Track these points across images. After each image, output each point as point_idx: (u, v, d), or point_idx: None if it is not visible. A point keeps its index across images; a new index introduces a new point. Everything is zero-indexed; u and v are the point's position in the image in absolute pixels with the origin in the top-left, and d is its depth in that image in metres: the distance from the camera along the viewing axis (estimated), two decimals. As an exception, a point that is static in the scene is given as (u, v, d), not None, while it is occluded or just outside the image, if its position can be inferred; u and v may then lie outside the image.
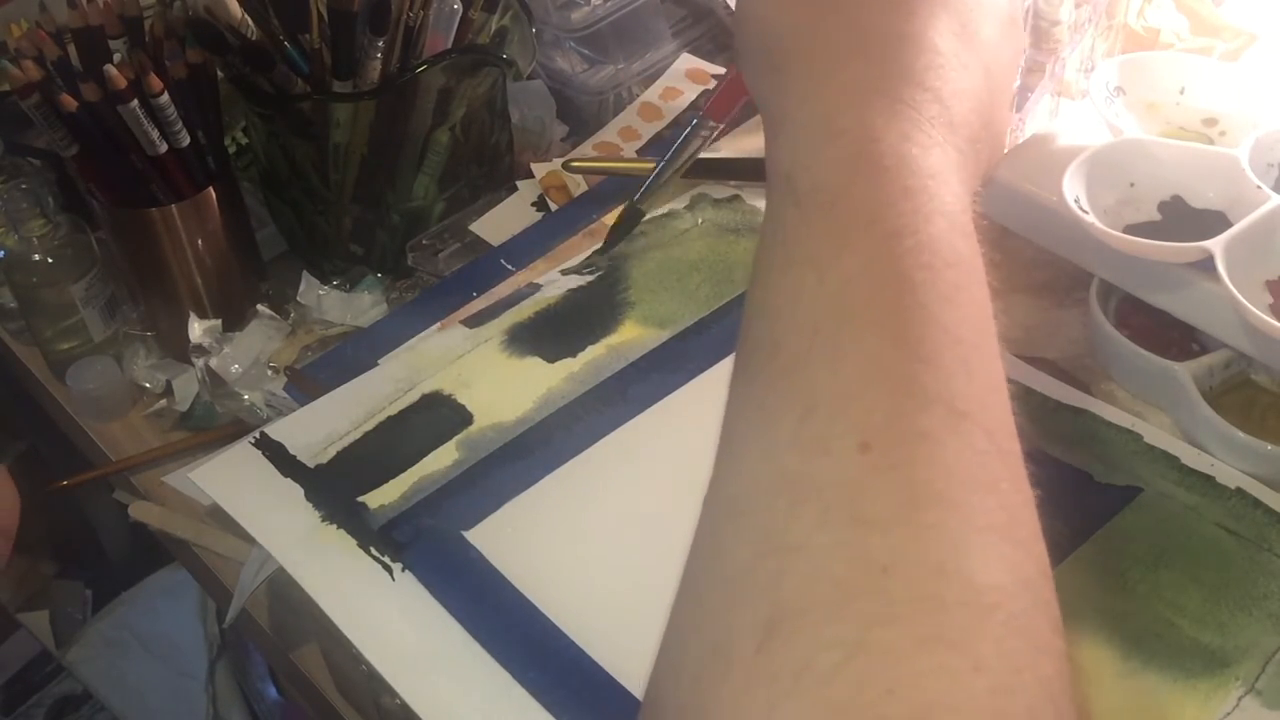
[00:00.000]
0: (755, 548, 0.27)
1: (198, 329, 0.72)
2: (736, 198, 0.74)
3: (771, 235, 0.32)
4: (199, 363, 0.71)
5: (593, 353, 0.64)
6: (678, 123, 0.85)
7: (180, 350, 0.74)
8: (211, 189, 0.73)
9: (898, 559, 0.26)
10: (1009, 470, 0.29)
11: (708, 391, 0.62)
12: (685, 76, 0.88)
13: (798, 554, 0.27)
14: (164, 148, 0.70)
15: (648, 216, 0.73)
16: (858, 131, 0.32)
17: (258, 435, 0.61)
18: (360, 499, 0.58)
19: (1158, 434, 0.59)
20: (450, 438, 0.61)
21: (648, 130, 0.86)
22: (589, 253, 0.71)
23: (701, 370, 0.63)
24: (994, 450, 0.29)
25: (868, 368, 0.29)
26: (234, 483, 0.59)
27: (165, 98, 0.68)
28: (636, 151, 0.84)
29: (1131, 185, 0.62)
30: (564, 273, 0.70)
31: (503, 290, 0.70)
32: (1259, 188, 0.59)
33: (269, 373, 0.70)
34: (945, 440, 0.28)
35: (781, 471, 0.28)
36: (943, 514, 0.27)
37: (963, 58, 0.36)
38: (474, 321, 0.67)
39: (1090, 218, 0.58)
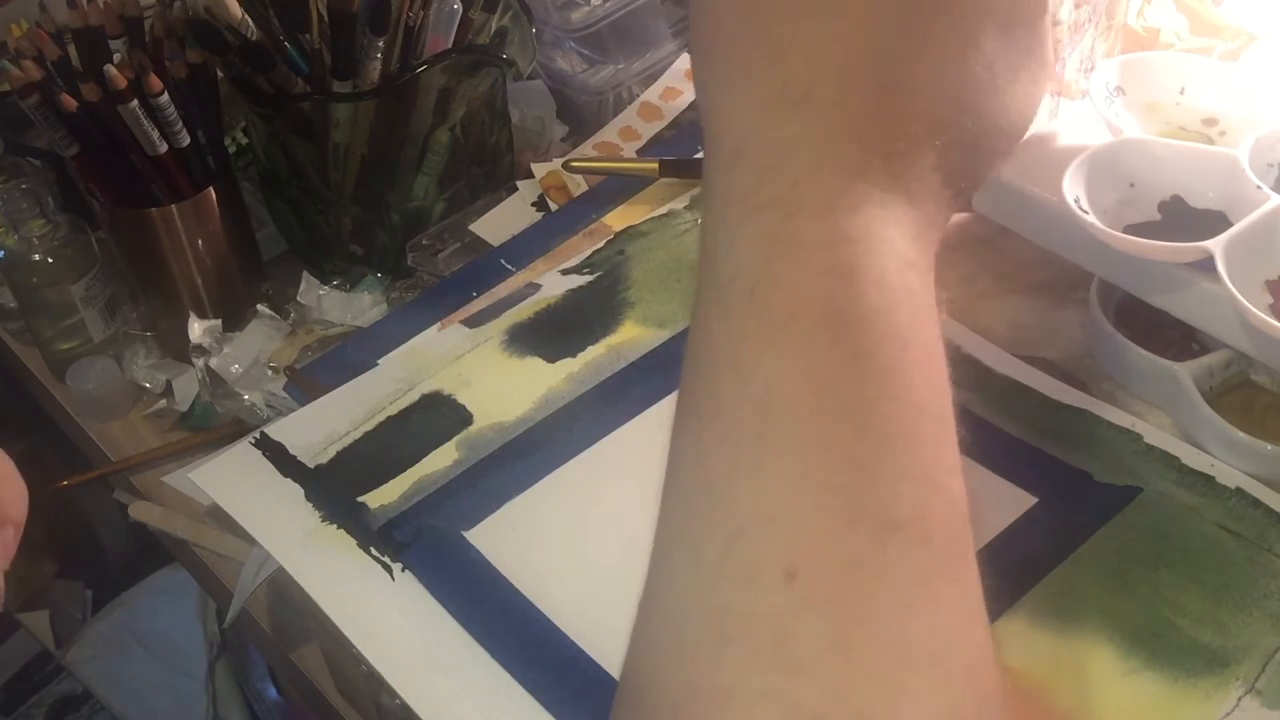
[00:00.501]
0: (685, 688, 0.27)
1: (198, 329, 0.72)
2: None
3: (698, 320, 0.31)
4: (199, 363, 0.71)
5: (593, 353, 0.64)
6: (678, 123, 0.85)
7: (180, 350, 0.74)
8: (211, 189, 0.73)
9: (828, 707, 0.25)
10: (948, 578, 0.28)
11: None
12: (685, 76, 0.88)
13: (728, 701, 0.26)
14: (164, 148, 0.70)
15: (648, 216, 0.73)
16: (778, 204, 0.30)
17: (258, 435, 0.61)
18: (360, 499, 0.58)
19: (1158, 434, 0.59)
20: (450, 438, 0.60)
21: (648, 130, 0.85)
22: (589, 252, 0.71)
23: (701, 370, 0.63)
24: (932, 562, 0.27)
25: (793, 483, 0.27)
26: (234, 483, 0.59)
27: (165, 98, 0.68)
28: (636, 151, 0.84)
29: (1131, 185, 0.62)
30: (564, 273, 0.70)
31: (503, 290, 0.70)
32: (1259, 188, 0.59)
33: (269, 373, 0.70)
34: (874, 562, 0.27)
35: (709, 604, 0.27)
36: (872, 652, 0.26)
37: (914, 81, 0.31)
38: (474, 321, 0.67)
39: (1090, 218, 0.58)
